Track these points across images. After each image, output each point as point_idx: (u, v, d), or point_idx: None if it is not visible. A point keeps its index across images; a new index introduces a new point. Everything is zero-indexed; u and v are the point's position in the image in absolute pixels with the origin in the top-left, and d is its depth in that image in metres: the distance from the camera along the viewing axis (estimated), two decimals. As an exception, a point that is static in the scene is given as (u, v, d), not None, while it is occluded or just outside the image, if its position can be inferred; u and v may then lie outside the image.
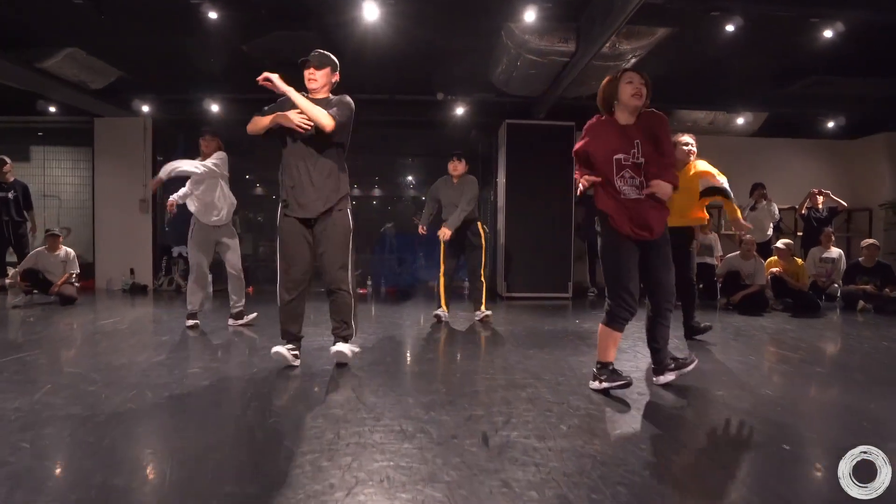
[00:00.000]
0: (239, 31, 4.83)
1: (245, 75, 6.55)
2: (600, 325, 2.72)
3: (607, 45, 4.68)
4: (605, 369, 2.72)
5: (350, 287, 3.10)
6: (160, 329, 4.46)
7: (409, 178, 11.57)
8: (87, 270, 7.62)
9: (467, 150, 9.16)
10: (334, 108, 2.95)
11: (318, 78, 3.00)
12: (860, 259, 6.48)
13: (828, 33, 4.36)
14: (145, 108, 7.38)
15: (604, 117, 2.71)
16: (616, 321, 2.66)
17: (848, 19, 4.23)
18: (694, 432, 2.25)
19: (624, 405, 2.57)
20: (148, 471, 1.81)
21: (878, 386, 3.00)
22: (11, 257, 7.14)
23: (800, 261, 6.36)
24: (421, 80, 6.54)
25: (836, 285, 6.92)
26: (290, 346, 3.14)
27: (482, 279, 4.89)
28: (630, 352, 3.76)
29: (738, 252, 6.30)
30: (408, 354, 3.71)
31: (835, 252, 7.03)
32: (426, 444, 2.03)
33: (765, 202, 7.23)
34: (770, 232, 7.29)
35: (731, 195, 3.96)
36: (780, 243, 6.38)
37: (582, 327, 4.84)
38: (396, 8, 4.30)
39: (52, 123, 8.31)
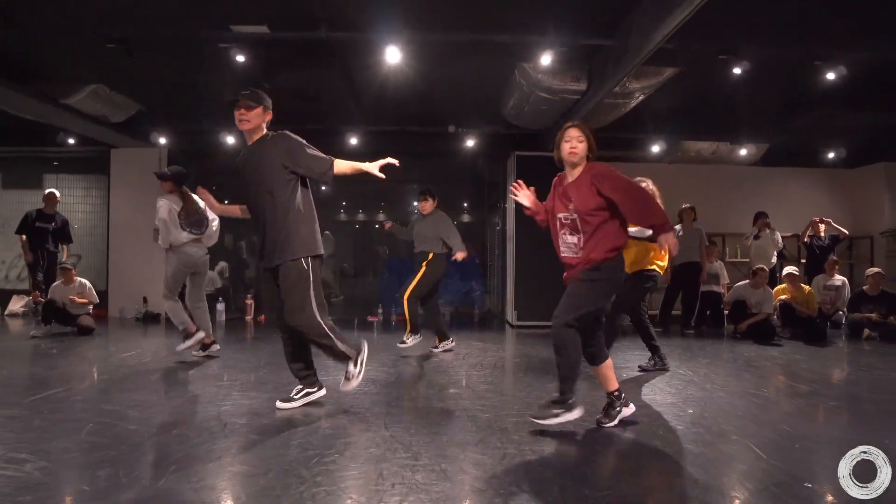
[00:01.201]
0: (263, 70, 5.00)
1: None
2: None
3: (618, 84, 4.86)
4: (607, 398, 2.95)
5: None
6: (182, 362, 4.53)
7: (415, 203, 11.76)
8: (101, 299, 7.69)
9: (474, 178, 9.46)
10: (301, 159, 2.95)
11: (249, 119, 2.97)
12: (865, 288, 6.60)
13: (830, 75, 4.55)
14: (162, 140, 7.54)
15: (557, 177, 2.94)
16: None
17: (850, 62, 4.43)
18: (718, 470, 2.33)
19: (642, 442, 2.65)
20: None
21: (891, 419, 3.09)
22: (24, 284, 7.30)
23: (808, 288, 6.48)
24: (434, 114, 6.73)
25: (840, 312, 7.04)
26: (297, 387, 3.20)
27: (405, 304, 4.84)
28: (650, 386, 3.86)
29: (747, 281, 6.41)
30: (431, 389, 3.79)
31: (838, 280, 7.16)
32: (469, 486, 2.12)
33: (768, 231, 7.38)
34: (774, 260, 7.43)
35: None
36: (789, 269, 6.51)
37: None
38: (417, 51, 4.48)
39: (67, 153, 8.48)
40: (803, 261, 8.05)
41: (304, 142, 3.00)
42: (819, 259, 7.47)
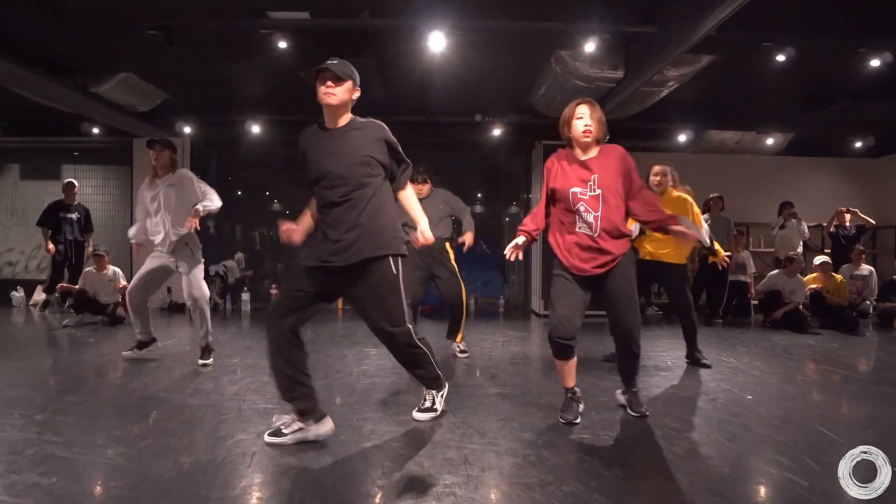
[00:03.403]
0: (296, 58, 4.95)
1: (289, 98, 6.79)
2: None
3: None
4: (565, 396, 2.76)
5: None
6: (223, 350, 4.53)
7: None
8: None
9: (494, 169, 9.43)
10: (397, 154, 2.55)
11: (336, 93, 2.36)
12: (895, 277, 6.58)
13: (875, 62, 4.51)
14: (187, 130, 7.52)
15: (562, 152, 2.71)
16: (553, 351, 2.67)
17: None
18: (795, 451, 2.33)
19: (712, 426, 2.65)
20: (306, 479, 1.89)
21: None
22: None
23: (839, 277, 6.47)
24: (461, 103, 6.69)
25: (867, 302, 7.03)
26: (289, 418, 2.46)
27: (465, 307, 4.29)
28: (699, 374, 3.86)
29: (780, 270, 6.38)
30: (483, 375, 3.79)
31: (865, 269, 7.14)
32: (560, 469, 2.12)
33: (794, 220, 7.36)
34: (800, 250, 7.41)
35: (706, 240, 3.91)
36: (821, 258, 6.49)
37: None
38: (457, 39, 4.44)
39: (89, 143, 8.45)
40: (827, 251, 8.03)
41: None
42: (845, 249, 7.45)
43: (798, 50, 4.40)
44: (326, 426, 2.40)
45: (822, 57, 5.02)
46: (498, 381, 3.53)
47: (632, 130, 7.66)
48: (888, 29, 4.16)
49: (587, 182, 2.58)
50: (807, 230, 7.48)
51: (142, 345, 4.22)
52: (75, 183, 7.12)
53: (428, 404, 2.75)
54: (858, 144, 7.97)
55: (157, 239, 3.91)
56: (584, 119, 2.59)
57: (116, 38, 4.73)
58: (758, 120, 7.51)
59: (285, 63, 5.05)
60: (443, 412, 2.75)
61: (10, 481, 1.93)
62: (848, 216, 7.56)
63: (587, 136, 2.59)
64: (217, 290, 7.81)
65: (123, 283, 6.31)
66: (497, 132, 7.39)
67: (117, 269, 6.38)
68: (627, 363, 2.80)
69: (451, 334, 4.40)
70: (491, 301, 8.19)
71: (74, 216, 6.93)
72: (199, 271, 4.02)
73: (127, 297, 4.06)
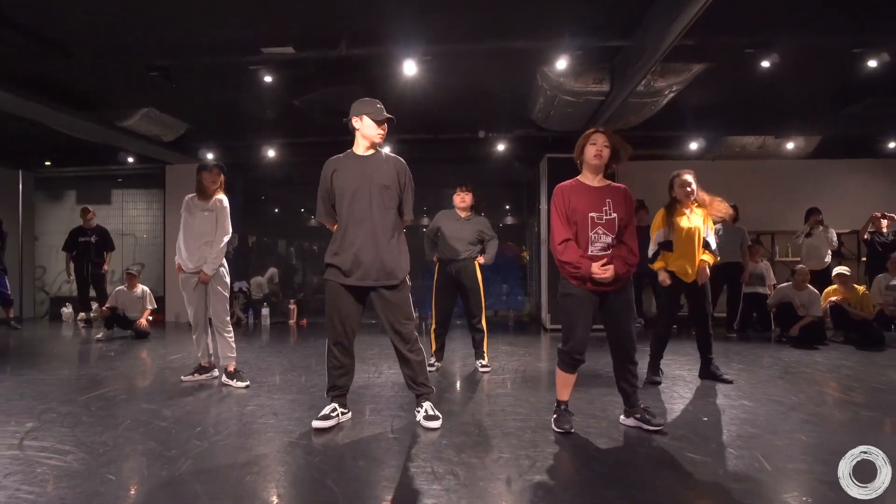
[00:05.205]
0: (291, 87, 5.25)
1: (297, 122, 7.15)
2: (557, 366, 2.94)
3: (642, 83, 4.77)
4: (559, 408, 2.95)
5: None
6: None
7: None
8: (158, 304, 8.28)
9: (511, 181, 9.45)
10: (408, 194, 3.10)
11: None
12: (931, 287, 6.13)
13: (872, 63, 4.28)
14: (210, 155, 8.04)
15: (572, 182, 2.93)
16: (565, 365, 2.89)
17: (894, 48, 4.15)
18: (714, 483, 2.29)
19: (644, 452, 2.62)
20: (209, 506, 2.06)
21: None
22: (91, 292, 7.95)
23: (861, 288, 6.09)
24: (462, 120, 6.82)
25: (905, 314, 6.56)
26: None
27: (483, 327, 4.55)
28: (668, 391, 3.78)
29: (790, 282, 6.11)
30: (448, 395, 3.87)
31: (903, 279, 6.67)
32: (453, 486, 2.20)
33: (821, 228, 7.00)
34: (828, 259, 7.03)
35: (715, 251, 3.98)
36: (839, 269, 6.14)
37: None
38: (439, 62, 4.58)
39: (129, 170, 9.20)
40: (864, 259, 7.56)
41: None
42: (881, 257, 7.00)
43: (788, 53, 4.24)
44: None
45: (824, 58, 4.81)
46: (454, 400, 3.60)
47: (643, 139, 7.52)
48: (878, 28, 3.94)
49: (603, 208, 2.81)
50: (835, 238, 7.08)
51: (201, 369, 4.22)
52: (90, 208, 7.79)
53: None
54: (893, 144, 7.48)
55: (191, 266, 4.01)
56: (596, 145, 2.84)
57: (125, 75, 5.18)
58: (780, 123, 7.18)
59: (283, 91, 5.36)
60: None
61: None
62: (884, 221, 7.11)
63: (597, 159, 2.83)
64: (240, 305, 8.24)
65: (151, 305, 6.81)
66: (502, 147, 7.45)
67: (146, 289, 6.90)
68: (631, 380, 2.92)
69: (476, 355, 4.65)
70: (504, 314, 8.20)
71: (92, 239, 7.53)
72: (222, 281, 3.99)
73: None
